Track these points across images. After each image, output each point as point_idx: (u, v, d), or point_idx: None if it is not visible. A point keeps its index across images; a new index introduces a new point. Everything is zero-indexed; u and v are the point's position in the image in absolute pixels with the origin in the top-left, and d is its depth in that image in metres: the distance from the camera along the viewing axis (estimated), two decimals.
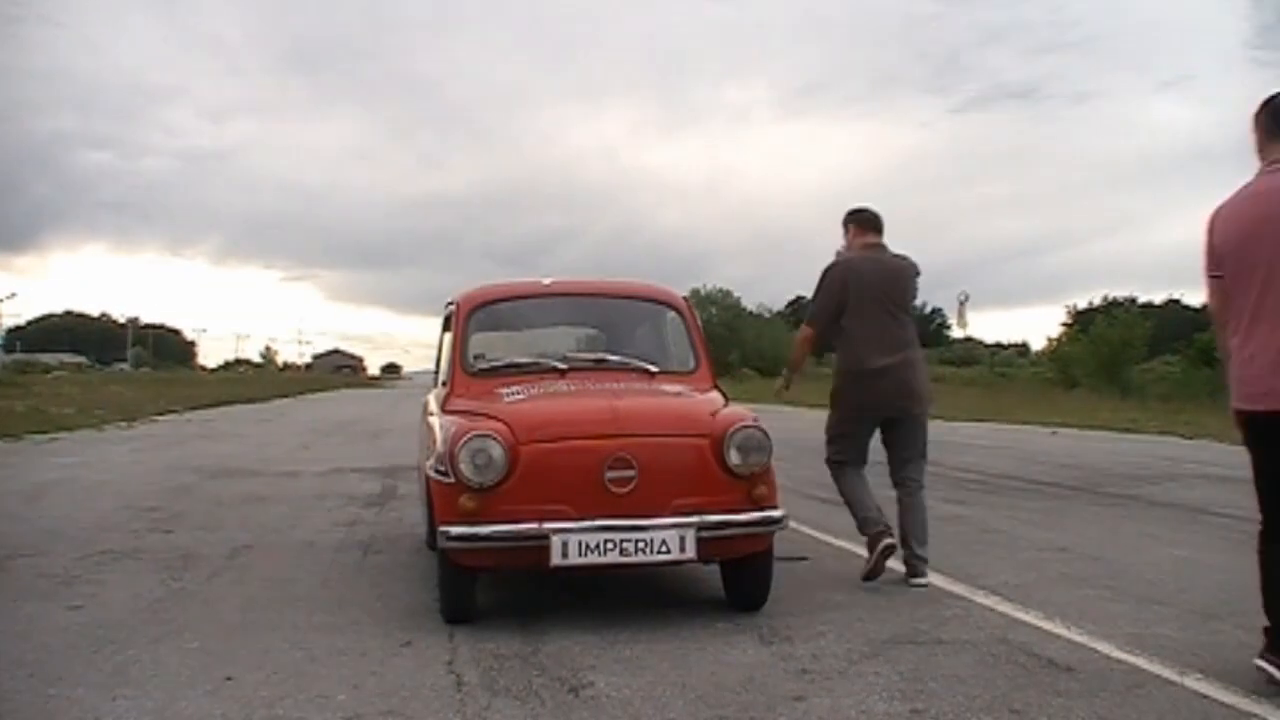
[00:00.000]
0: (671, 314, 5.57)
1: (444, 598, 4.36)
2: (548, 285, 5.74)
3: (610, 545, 4.04)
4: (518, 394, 4.69)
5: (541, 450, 4.14)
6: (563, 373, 4.97)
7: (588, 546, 4.02)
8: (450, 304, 5.64)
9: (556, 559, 4.01)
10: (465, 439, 4.11)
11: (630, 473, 4.07)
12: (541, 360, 5.15)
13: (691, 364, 5.26)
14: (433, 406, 5.29)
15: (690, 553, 4.10)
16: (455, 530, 4.07)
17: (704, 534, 4.10)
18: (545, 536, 3.99)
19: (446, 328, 5.78)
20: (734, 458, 4.22)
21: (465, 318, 5.27)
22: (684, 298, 5.77)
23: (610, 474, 4.07)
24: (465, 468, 4.06)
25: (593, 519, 4.03)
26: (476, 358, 5.17)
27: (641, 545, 4.05)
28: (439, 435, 4.49)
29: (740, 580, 4.50)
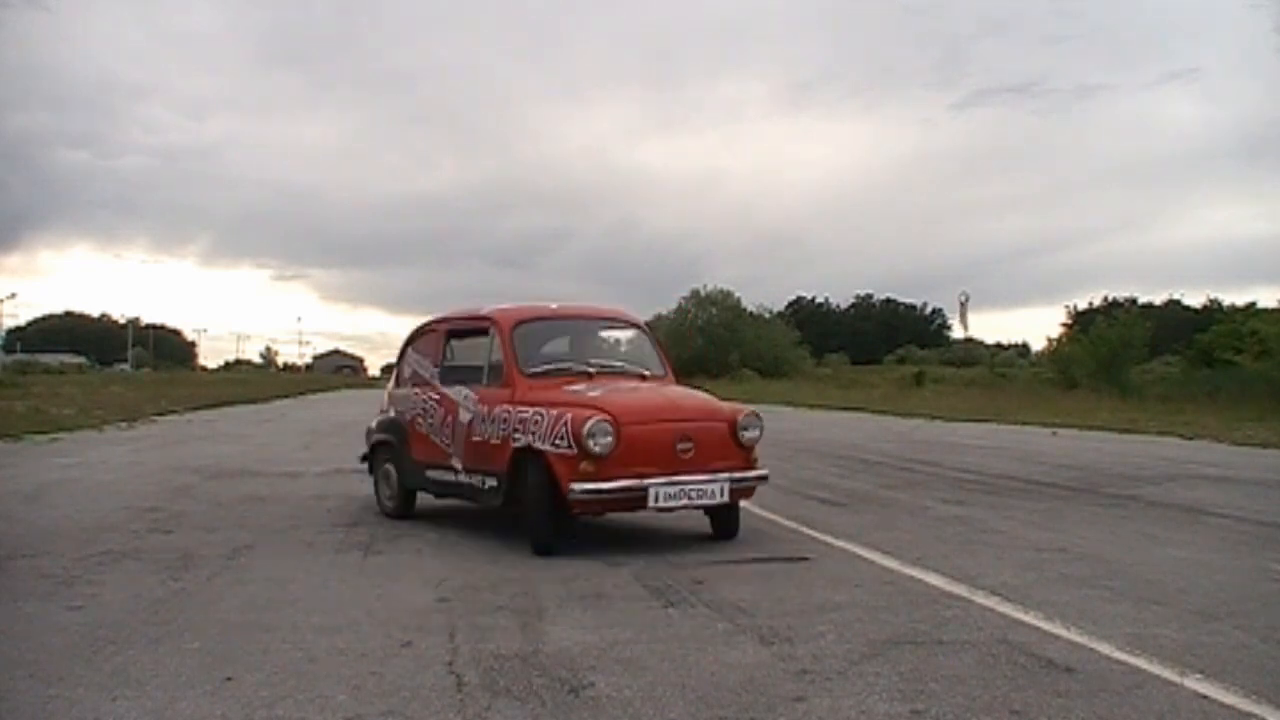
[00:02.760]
0: (638, 332, 7.50)
1: (539, 536, 5.85)
2: (555, 309, 7.27)
3: (683, 493, 5.80)
4: (585, 390, 6.20)
5: (637, 430, 5.81)
6: (592, 375, 6.54)
7: (669, 494, 5.76)
8: (477, 316, 7.07)
9: (652, 503, 5.75)
10: (589, 422, 5.64)
11: (690, 445, 5.89)
12: (575, 365, 6.70)
13: (661, 370, 6.97)
14: (493, 399, 6.46)
15: (725, 498, 5.99)
16: (581, 487, 5.64)
17: (732, 485, 5.97)
18: (645, 489, 5.71)
19: (459, 336, 7.32)
20: (744, 434, 6.14)
21: (510, 332, 6.59)
22: (644, 321, 7.68)
23: (679, 445, 5.87)
24: (590, 442, 5.61)
25: (669, 476, 5.77)
26: (527, 362, 6.55)
27: (700, 493, 5.86)
28: (546, 419, 5.87)
29: (725, 520, 6.33)
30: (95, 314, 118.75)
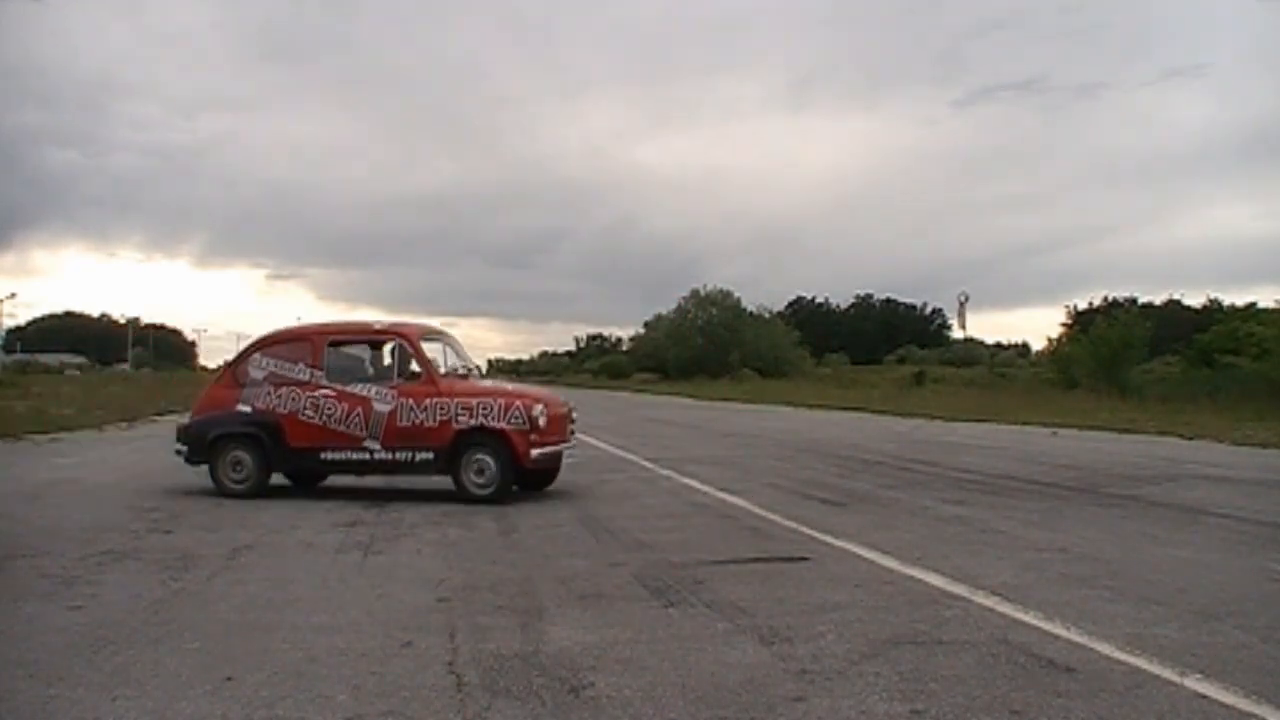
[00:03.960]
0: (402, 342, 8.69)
1: (503, 490, 8.13)
2: (435, 325, 9.52)
3: (570, 453, 8.98)
4: (496, 385, 9.08)
5: (553, 411, 8.45)
6: (467, 375, 8.89)
7: (569, 454, 8.98)
8: (373, 329, 9.03)
9: (565, 459, 8.95)
10: (535, 406, 8.22)
11: (563, 420, 8.81)
12: (460, 366, 8.90)
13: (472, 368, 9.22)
14: (417, 393, 8.33)
15: (573, 456, 9.21)
16: (536, 451, 8.15)
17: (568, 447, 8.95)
18: (560, 451, 8.66)
19: (344, 345, 8.85)
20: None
21: (418, 342, 8.56)
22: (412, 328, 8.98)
23: (567, 422, 8.91)
24: (539, 420, 8.12)
25: (565, 442, 8.76)
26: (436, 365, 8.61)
27: (570, 453, 9.05)
28: (496, 406, 8.17)
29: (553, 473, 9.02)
30: (95, 314, 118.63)
